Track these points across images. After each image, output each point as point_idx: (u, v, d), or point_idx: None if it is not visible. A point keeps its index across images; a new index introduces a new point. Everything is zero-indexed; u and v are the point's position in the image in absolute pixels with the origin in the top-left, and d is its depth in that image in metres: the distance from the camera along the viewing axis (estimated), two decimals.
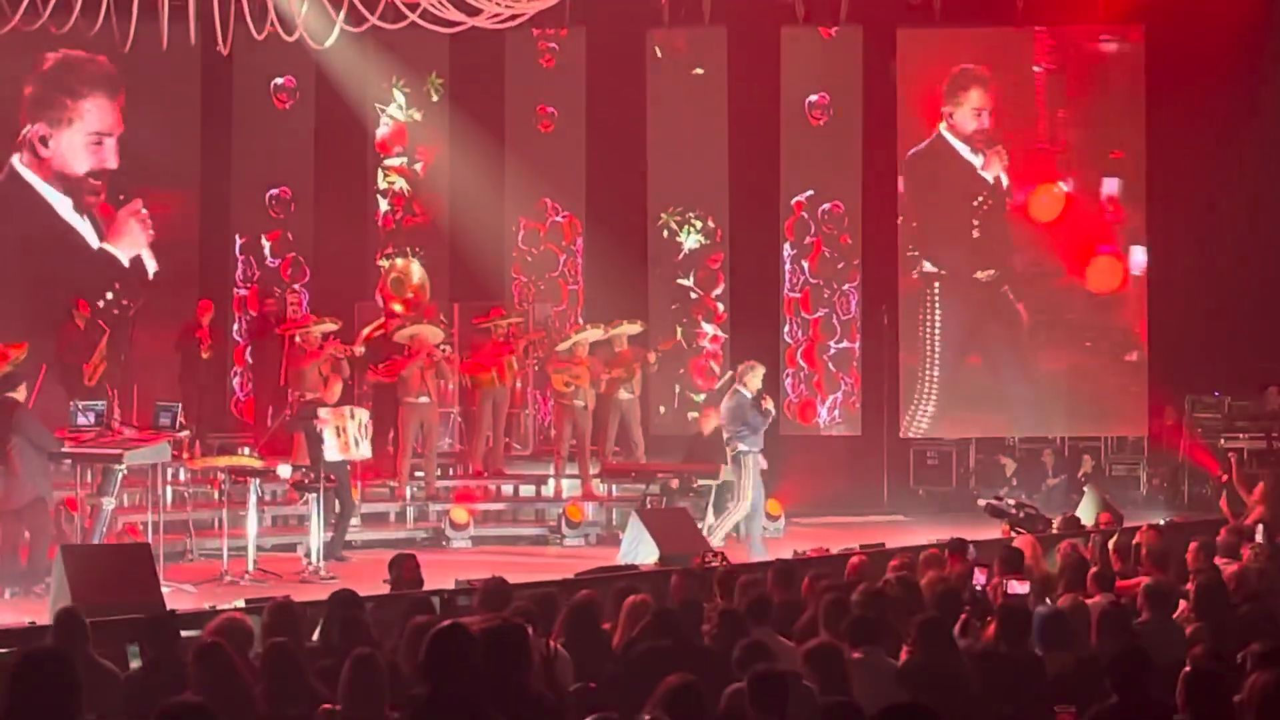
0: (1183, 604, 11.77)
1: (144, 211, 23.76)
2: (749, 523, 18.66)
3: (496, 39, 22.13)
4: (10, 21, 16.00)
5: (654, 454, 22.43)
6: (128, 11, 15.34)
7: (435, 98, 24.68)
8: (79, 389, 20.08)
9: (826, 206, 24.42)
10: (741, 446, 18.66)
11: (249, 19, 15.38)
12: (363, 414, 18.63)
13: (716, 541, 18.01)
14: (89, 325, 21.26)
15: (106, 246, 23.53)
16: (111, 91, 23.60)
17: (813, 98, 24.49)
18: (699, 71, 24.51)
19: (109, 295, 22.51)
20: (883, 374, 24.34)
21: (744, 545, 18.47)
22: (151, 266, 23.75)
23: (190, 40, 15.77)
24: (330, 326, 21.26)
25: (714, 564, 13.70)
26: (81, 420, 16.82)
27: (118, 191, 23.80)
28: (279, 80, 24.18)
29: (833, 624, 9.98)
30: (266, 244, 24.24)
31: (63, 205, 23.49)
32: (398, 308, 22.44)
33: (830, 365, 23.88)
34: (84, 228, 23.60)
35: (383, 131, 24.74)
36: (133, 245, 23.69)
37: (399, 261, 23.22)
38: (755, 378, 18.85)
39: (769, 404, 18.76)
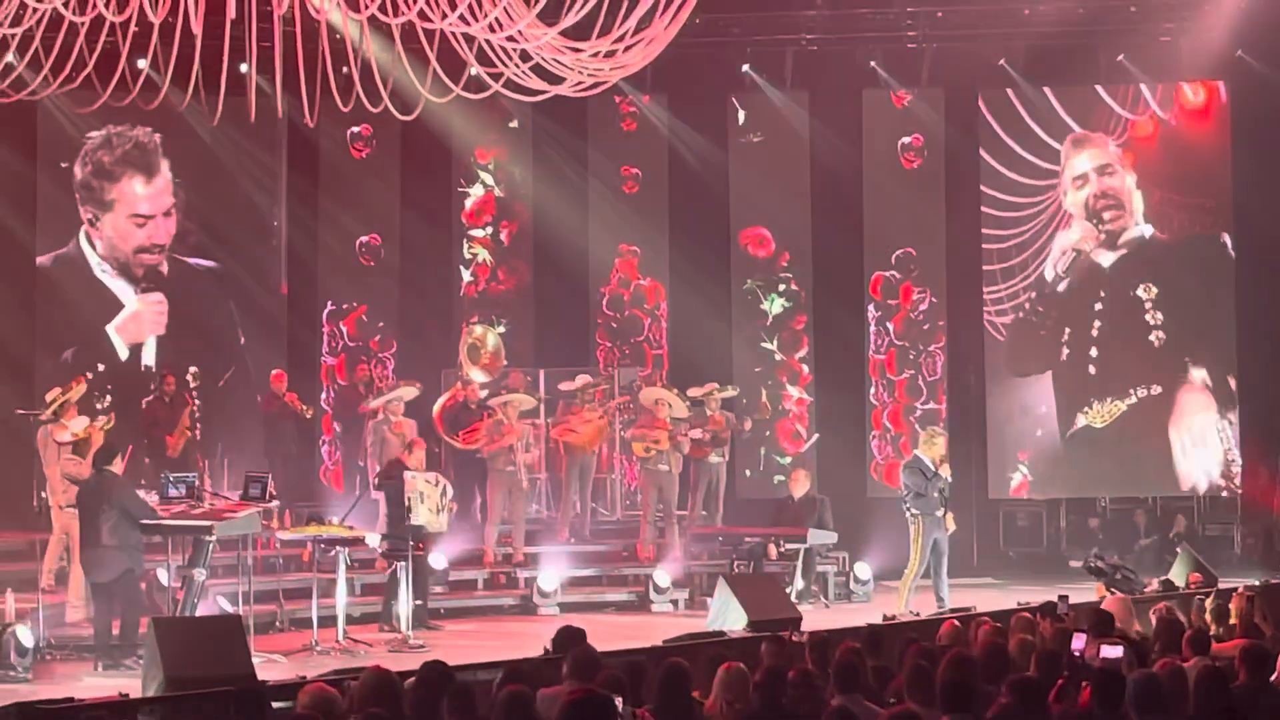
0: None
1: (158, 306, 23.76)
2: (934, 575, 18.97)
3: (579, 105, 22.23)
4: (101, 98, 16.17)
5: (741, 518, 22.38)
6: (216, 86, 15.49)
7: (519, 177, 24.85)
8: (163, 461, 20.26)
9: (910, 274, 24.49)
10: (912, 510, 18.89)
11: (335, 91, 15.50)
12: (446, 485, 18.68)
13: (901, 608, 18.14)
14: (174, 399, 21.43)
15: (110, 332, 23.55)
16: (149, 170, 23.67)
17: (905, 139, 24.57)
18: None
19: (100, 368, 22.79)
20: (970, 435, 24.21)
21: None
22: (150, 359, 23.64)
23: (277, 113, 15.90)
24: (412, 392, 21.38)
25: (801, 640, 13.59)
26: (173, 492, 16.93)
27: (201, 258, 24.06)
28: (355, 129, 24.34)
29: (917, 691, 9.88)
30: (344, 329, 24.38)
31: (111, 279, 23.61)
32: (476, 375, 22.52)
33: (916, 427, 23.73)
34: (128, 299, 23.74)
35: (470, 202, 24.90)
36: (138, 335, 23.68)
37: (477, 329, 23.31)
38: (932, 446, 19.11)
39: (943, 472, 18.89)
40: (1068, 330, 24.38)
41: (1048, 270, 24.35)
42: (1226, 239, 24.07)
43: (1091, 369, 24.32)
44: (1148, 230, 24.29)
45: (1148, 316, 24.19)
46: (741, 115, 24.80)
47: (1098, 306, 24.31)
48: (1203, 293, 24.19)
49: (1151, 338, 24.17)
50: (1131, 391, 24.14)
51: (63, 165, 23.26)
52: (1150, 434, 24.04)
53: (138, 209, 23.63)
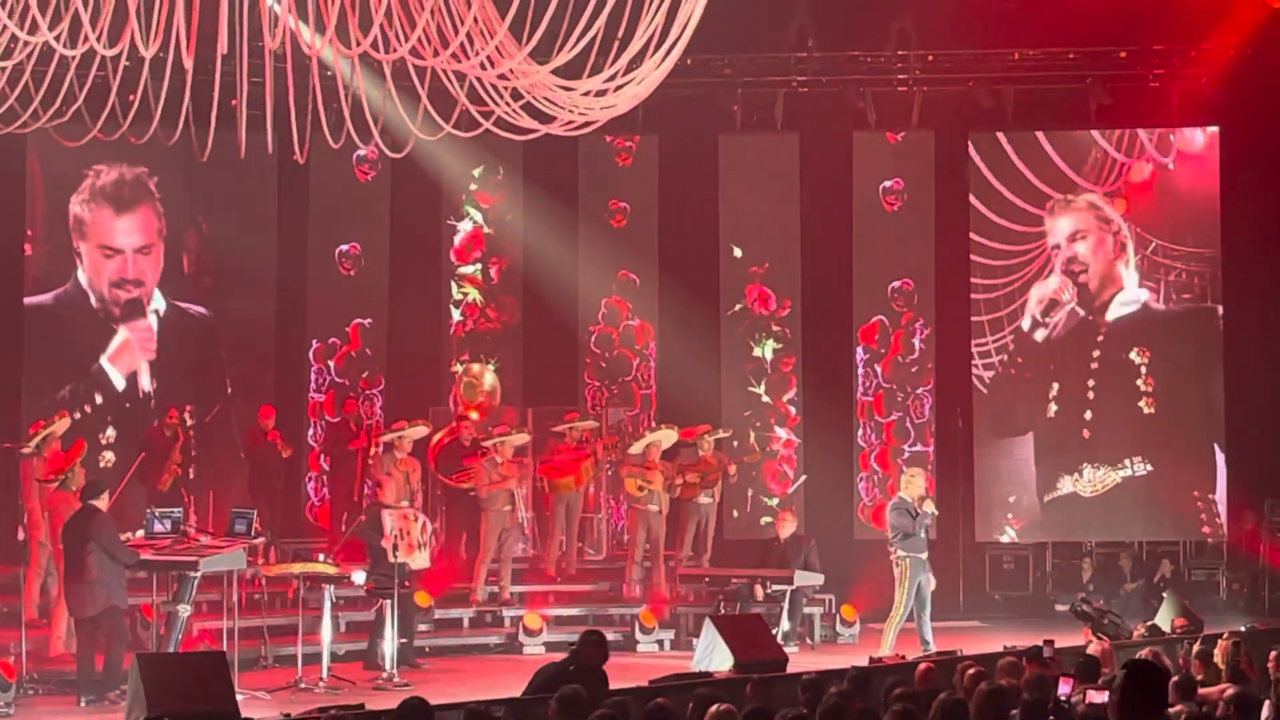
0: (1265, 712, 11.58)
1: (147, 334, 23.68)
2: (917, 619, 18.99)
3: (570, 144, 22.23)
4: (90, 131, 16.15)
5: (728, 558, 22.34)
6: (206, 120, 15.49)
7: (509, 212, 24.88)
8: (153, 495, 20.25)
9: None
10: (899, 551, 18.86)
11: (325, 128, 15.49)
12: (424, 520, 18.67)
13: (885, 650, 18.11)
14: (172, 433, 21.41)
15: (104, 364, 23.48)
16: (120, 205, 23.56)
17: (887, 183, 24.65)
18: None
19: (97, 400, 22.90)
20: (957, 478, 24.20)
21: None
22: (146, 385, 23.59)
23: (268, 149, 15.83)
24: (422, 430, 21.28)
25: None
26: (158, 527, 16.89)
27: (193, 296, 23.99)
28: (360, 152, 24.31)
29: None
30: (332, 365, 24.35)
31: (100, 313, 23.60)
32: (473, 414, 22.51)
33: (904, 469, 23.73)
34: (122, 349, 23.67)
35: (459, 238, 24.90)
36: (129, 364, 23.59)
37: (474, 367, 23.28)
38: (912, 484, 19.15)
39: (926, 507, 18.90)
40: (1056, 385, 24.35)
41: (1025, 321, 24.33)
42: (1219, 308, 24.12)
43: (1085, 432, 24.30)
44: (1141, 295, 24.26)
45: (1139, 382, 24.18)
46: (738, 250, 24.84)
47: (1093, 365, 24.29)
48: (1191, 354, 24.20)
49: (1141, 404, 24.16)
50: (1126, 462, 24.13)
51: (74, 209, 23.32)
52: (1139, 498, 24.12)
53: (107, 241, 23.54)
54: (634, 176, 25.00)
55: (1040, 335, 24.38)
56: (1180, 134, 24.24)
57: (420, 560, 18.45)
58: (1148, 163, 24.25)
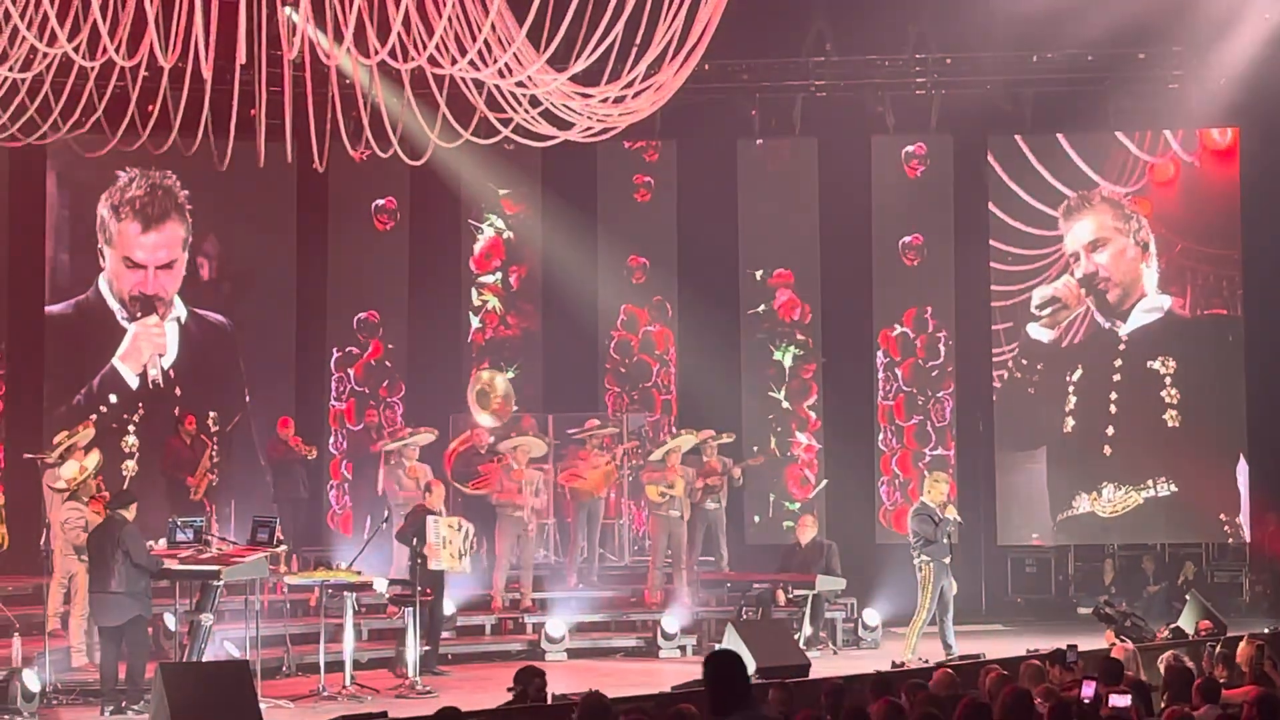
0: None
1: (156, 329, 23.57)
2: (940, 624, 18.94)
3: (589, 150, 22.24)
4: (110, 142, 16.21)
5: (749, 563, 22.33)
6: (225, 130, 15.52)
7: (529, 219, 24.88)
8: (185, 504, 20.25)
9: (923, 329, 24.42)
10: (924, 556, 18.84)
11: (345, 137, 15.52)
12: (469, 528, 18.69)
13: (908, 655, 18.13)
14: (194, 441, 21.43)
15: (116, 364, 23.38)
16: (148, 221, 23.50)
17: (906, 238, 24.52)
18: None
19: (112, 399, 23.00)
20: (979, 481, 24.16)
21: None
22: (158, 377, 23.44)
23: (287, 158, 15.86)
24: (428, 437, 21.37)
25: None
26: (180, 536, 16.90)
27: (216, 306, 24.00)
28: (380, 202, 24.39)
29: None
30: (352, 374, 24.34)
31: (121, 317, 23.53)
32: (485, 420, 22.50)
33: (925, 473, 23.70)
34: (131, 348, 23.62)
35: (479, 245, 24.91)
36: (139, 362, 23.44)
37: (484, 374, 23.29)
38: (935, 490, 19.17)
39: (949, 514, 18.91)
40: (1074, 399, 24.21)
41: (1031, 327, 24.22)
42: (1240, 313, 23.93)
43: (1106, 449, 24.10)
44: (1164, 301, 24.12)
45: (1164, 394, 23.99)
46: (759, 273, 24.83)
47: (1115, 378, 24.11)
48: (1216, 360, 23.93)
49: (1166, 417, 23.98)
50: (1149, 483, 23.98)
51: (100, 211, 23.35)
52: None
53: (130, 254, 23.48)
54: (653, 192, 24.96)
55: (1043, 335, 24.16)
56: (1207, 133, 24.10)
57: (463, 568, 18.50)
58: (1171, 161, 24.09)
